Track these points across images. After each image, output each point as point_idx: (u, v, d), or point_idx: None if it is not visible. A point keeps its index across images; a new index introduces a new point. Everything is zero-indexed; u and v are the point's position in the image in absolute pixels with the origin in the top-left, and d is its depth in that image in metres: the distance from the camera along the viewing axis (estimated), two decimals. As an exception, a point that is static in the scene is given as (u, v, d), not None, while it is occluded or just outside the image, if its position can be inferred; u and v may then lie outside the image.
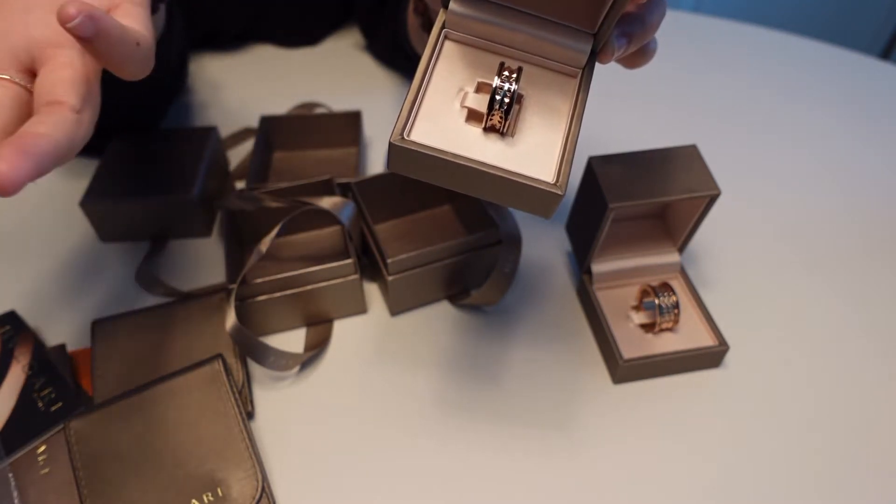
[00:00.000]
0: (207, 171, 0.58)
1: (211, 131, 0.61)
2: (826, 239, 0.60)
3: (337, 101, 0.71)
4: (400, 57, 0.74)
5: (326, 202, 0.50)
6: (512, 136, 0.33)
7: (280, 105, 0.71)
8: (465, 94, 0.33)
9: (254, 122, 0.66)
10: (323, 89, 0.74)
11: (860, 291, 0.56)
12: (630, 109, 0.72)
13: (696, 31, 0.86)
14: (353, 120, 0.63)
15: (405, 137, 0.31)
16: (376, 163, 0.66)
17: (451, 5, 0.34)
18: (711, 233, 0.59)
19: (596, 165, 0.48)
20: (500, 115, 0.32)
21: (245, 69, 0.78)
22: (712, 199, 0.47)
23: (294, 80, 0.76)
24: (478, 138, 0.33)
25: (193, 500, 0.39)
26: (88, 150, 0.64)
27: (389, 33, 0.73)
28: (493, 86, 0.32)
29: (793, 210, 0.63)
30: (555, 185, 0.31)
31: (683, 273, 0.54)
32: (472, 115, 0.33)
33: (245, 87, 0.75)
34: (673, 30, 0.86)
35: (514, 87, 0.31)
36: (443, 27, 0.34)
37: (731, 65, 0.81)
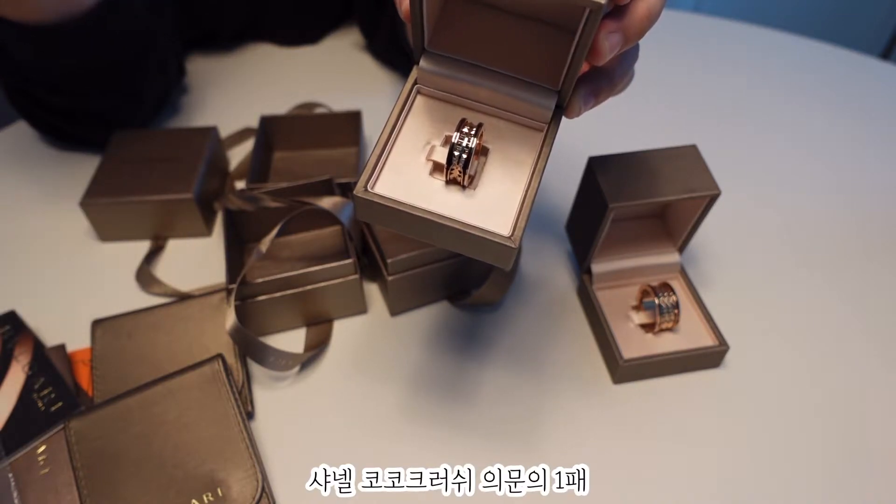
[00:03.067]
0: (207, 171, 0.58)
1: (211, 131, 0.61)
2: (826, 239, 0.60)
3: (337, 101, 0.71)
4: (400, 56, 0.74)
5: (326, 202, 0.50)
6: (474, 188, 0.34)
7: (280, 105, 0.71)
8: (432, 147, 0.34)
9: (254, 122, 0.66)
10: (323, 89, 0.74)
11: (860, 291, 0.56)
12: (630, 109, 0.72)
13: (696, 31, 0.86)
14: (353, 120, 0.63)
15: (368, 189, 0.32)
16: (376, 163, 0.66)
17: (422, 62, 0.35)
18: (711, 233, 0.59)
19: (596, 165, 0.48)
20: (459, 170, 0.33)
21: (245, 69, 0.78)
22: (712, 199, 0.47)
23: (294, 79, 0.76)
24: (440, 190, 0.34)
25: (193, 501, 0.39)
26: (86, 144, 0.65)
27: (389, 33, 0.73)
28: (452, 141, 0.32)
29: (793, 210, 0.63)
30: (509, 238, 0.32)
31: (683, 273, 0.54)
32: (437, 168, 0.34)
33: (245, 87, 0.75)
34: (673, 30, 0.86)
35: (471, 143, 0.32)
36: (415, 82, 0.35)
37: (731, 65, 0.81)
